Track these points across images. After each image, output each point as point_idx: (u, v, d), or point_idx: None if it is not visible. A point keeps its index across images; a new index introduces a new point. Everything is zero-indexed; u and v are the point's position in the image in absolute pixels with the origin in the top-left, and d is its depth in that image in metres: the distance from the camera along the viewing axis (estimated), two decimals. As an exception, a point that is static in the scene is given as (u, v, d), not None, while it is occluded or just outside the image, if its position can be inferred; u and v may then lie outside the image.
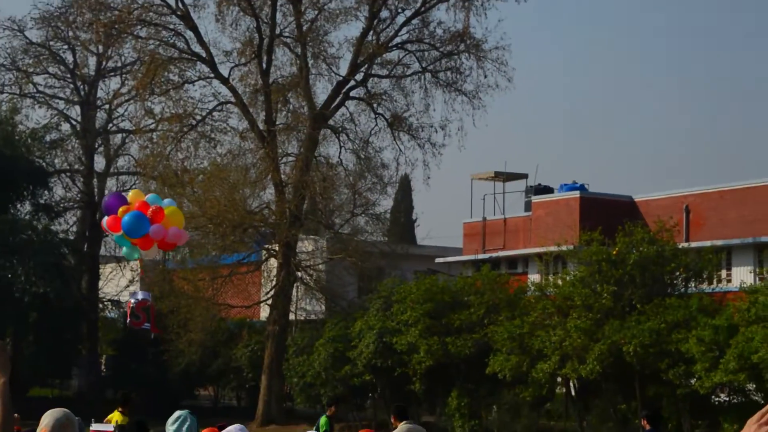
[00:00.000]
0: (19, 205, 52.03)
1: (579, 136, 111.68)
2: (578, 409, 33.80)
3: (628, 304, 31.99)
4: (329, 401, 23.71)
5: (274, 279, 42.41)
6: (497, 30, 58.53)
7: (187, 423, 8.23)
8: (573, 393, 34.03)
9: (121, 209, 16.96)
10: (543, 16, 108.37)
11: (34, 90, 54.62)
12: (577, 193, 44.07)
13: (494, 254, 46.39)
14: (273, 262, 43.31)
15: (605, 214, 40.00)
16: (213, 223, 41.21)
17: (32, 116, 54.36)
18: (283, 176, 42.36)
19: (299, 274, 42.55)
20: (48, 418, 5.78)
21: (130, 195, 17.50)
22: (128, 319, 19.20)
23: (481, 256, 46.48)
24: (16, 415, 11.03)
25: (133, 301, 18.55)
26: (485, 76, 42.78)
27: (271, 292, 42.45)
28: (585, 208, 43.01)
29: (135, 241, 17.12)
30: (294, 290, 43.52)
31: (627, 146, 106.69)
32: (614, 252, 32.05)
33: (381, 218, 45.68)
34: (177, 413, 8.33)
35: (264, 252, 43.96)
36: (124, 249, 17.53)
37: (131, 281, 48.90)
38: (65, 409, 5.94)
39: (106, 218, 17.26)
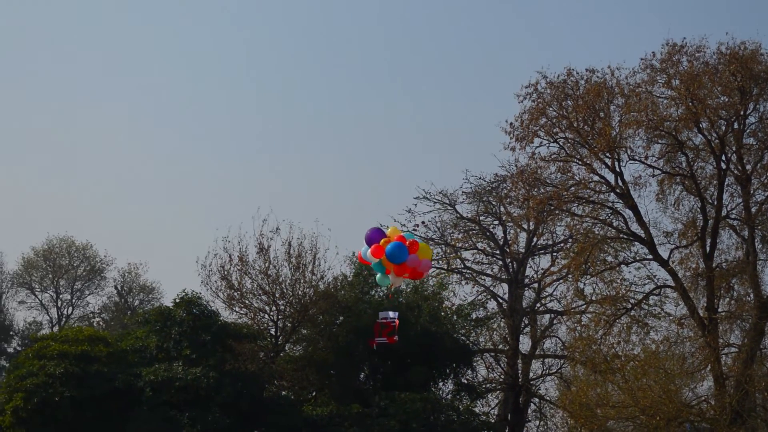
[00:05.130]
0: (441, 384, 54.98)
1: None
2: None
3: None
4: None
5: (711, 478, 42.54)
6: None
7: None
8: None
9: (382, 240, 22.32)
10: None
11: (462, 266, 58.17)
12: None
13: None
14: (710, 460, 43.48)
15: None
16: (645, 414, 42.08)
17: (458, 292, 57.84)
18: (724, 368, 42.79)
19: (737, 475, 42.43)
20: None
21: (389, 230, 22.79)
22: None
23: None
24: None
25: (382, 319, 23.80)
26: None
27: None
28: None
29: (392, 268, 22.24)
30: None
31: None
32: None
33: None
34: None
35: (700, 449, 44.30)
36: (378, 276, 22.89)
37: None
38: None
39: (367, 248, 22.52)
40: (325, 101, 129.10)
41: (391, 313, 25.14)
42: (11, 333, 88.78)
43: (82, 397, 47.29)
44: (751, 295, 43.53)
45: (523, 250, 57.17)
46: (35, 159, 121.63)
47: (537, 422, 57.27)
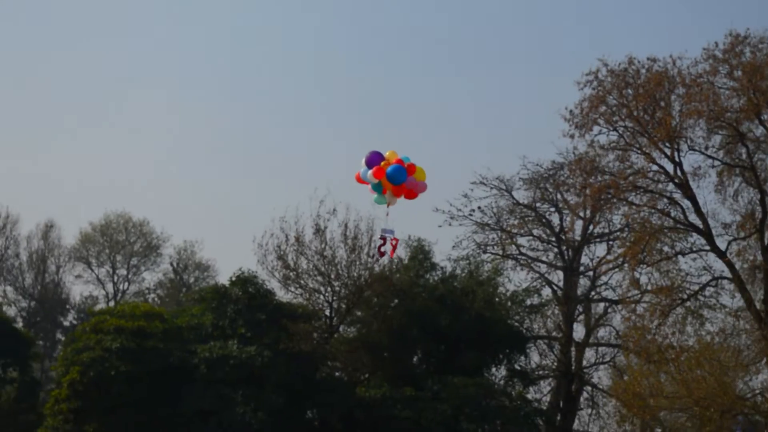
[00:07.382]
0: (494, 369, 55.19)
1: None
2: None
3: None
4: None
5: (765, 474, 42.40)
6: None
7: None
8: None
9: (383, 163, 24.74)
10: None
11: (517, 252, 58.21)
12: None
13: None
14: (763, 455, 43.31)
15: None
16: (699, 405, 41.94)
17: (513, 278, 57.87)
18: (778, 362, 42.61)
19: (792, 470, 42.28)
20: None
21: (387, 153, 25.05)
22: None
23: None
24: None
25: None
26: None
27: (760, 488, 42.43)
28: None
29: (392, 188, 24.74)
30: (785, 488, 43.21)
31: None
32: None
33: None
34: None
35: (753, 443, 44.13)
36: (375, 196, 25.19)
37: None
38: None
39: (368, 169, 24.95)
40: (382, 87, 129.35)
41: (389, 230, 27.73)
42: (68, 307, 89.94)
43: (137, 372, 47.96)
44: (808, 290, 43.22)
45: (579, 238, 57.10)
46: (94, 137, 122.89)
47: (589, 410, 57.26)
